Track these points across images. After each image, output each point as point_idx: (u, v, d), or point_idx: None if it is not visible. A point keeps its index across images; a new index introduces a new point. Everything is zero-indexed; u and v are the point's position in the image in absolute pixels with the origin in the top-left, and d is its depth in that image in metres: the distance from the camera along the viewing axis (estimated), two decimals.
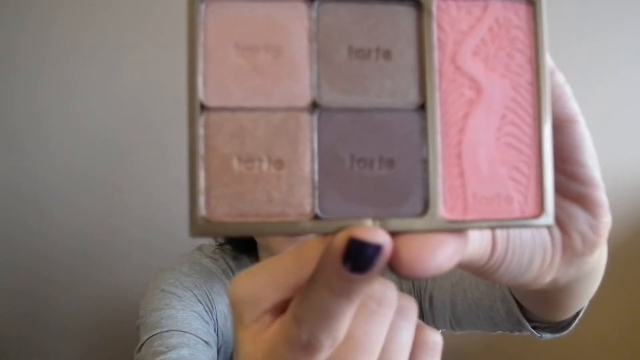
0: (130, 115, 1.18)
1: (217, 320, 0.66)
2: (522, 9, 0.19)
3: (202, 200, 0.17)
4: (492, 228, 0.20)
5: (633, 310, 1.12)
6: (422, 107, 0.18)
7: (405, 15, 0.18)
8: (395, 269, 0.17)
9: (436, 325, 0.62)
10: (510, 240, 0.21)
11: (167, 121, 1.17)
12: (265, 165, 0.18)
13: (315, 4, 0.18)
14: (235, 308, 0.20)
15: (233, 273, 0.70)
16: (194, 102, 0.17)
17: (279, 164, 0.18)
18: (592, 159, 0.21)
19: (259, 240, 0.64)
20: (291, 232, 0.18)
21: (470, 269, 0.21)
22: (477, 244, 0.19)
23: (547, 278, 0.22)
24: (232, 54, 0.18)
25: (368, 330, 0.19)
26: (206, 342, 0.60)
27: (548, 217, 0.19)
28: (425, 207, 0.18)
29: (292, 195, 0.18)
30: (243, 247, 0.70)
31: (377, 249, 0.16)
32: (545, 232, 0.22)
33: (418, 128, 0.18)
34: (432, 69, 0.18)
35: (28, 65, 1.17)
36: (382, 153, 0.18)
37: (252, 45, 0.18)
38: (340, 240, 0.16)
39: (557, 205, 0.21)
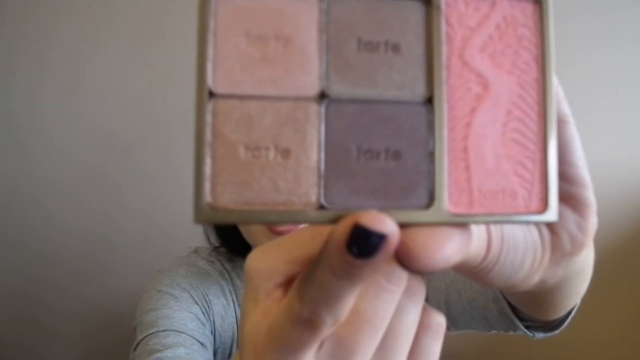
0: (130, 116, 1.18)
1: (214, 321, 0.66)
2: (529, 8, 0.19)
3: (207, 187, 0.17)
4: (497, 223, 0.20)
5: (633, 310, 1.12)
6: (429, 101, 0.18)
7: (414, 10, 0.18)
8: (402, 262, 0.17)
9: None
10: (505, 240, 0.21)
11: (168, 121, 1.17)
12: (272, 154, 0.18)
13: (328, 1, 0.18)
14: (250, 281, 0.20)
15: (229, 275, 0.70)
16: (202, 88, 0.17)
17: (286, 153, 0.18)
18: (581, 160, 0.22)
19: (252, 241, 0.64)
20: (296, 221, 0.18)
21: (464, 270, 0.21)
22: (475, 242, 0.19)
23: (536, 278, 0.22)
24: (242, 42, 0.18)
25: (375, 305, 0.19)
26: (202, 343, 0.60)
27: (552, 214, 0.19)
28: (431, 199, 0.18)
29: (298, 185, 0.18)
30: (238, 250, 0.70)
31: (381, 237, 0.16)
32: (535, 232, 0.22)
33: (425, 121, 0.18)
34: (440, 64, 0.18)
35: (29, 65, 1.17)
36: (388, 145, 0.18)
37: (262, 34, 0.18)
38: (346, 225, 0.16)
39: None
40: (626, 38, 1.08)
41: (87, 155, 1.18)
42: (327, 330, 0.18)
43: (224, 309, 0.67)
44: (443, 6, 0.18)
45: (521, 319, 0.47)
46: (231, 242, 0.70)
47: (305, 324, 0.17)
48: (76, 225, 1.20)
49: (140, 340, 0.59)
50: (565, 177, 0.21)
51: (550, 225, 0.22)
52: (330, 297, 0.17)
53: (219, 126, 0.17)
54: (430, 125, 0.18)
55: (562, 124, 0.21)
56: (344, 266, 0.16)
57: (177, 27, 1.13)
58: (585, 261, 0.27)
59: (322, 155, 0.18)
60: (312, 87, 0.18)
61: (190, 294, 0.65)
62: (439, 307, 0.60)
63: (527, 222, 0.19)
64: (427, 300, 0.63)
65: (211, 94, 0.18)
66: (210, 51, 0.17)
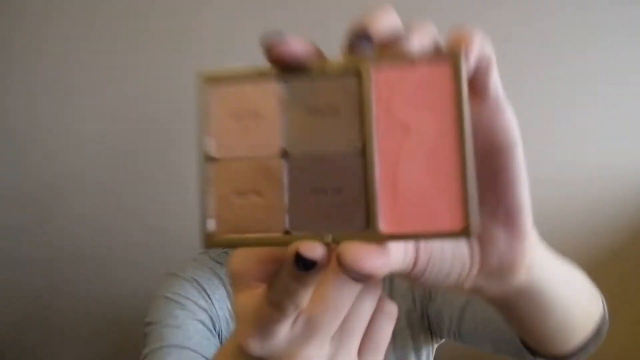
0: (131, 119, 1.18)
1: (220, 329, 0.71)
2: (446, 69, 0.24)
3: (210, 222, 0.25)
4: (423, 240, 0.25)
5: (635, 311, 1.02)
6: (363, 150, 0.24)
7: (351, 82, 0.25)
8: (341, 269, 0.23)
9: (441, 334, 0.67)
10: (432, 255, 0.26)
11: (167, 123, 1.16)
12: (253, 197, 0.25)
13: (283, 84, 0.25)
14: (233, 279, 0.27)
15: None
16: (203, 154, 0.25)
17: (262, 196, 0.25)
18: (523, 188, 0.25)
19: None
20: (273, 244, 0.25)
21: (400, 276, 0.27)
22: (402, 257, 0.25)
23: (467, 285, 0.27)
24: (229, 120, 0.25)
25: (340, 293, 0.25)
26: (206, 358, 0.64)
27: (470, 233, 0.23)
28: (368, 223, 0.24)
29: (272, 218, 0.25)
30: None
31: (312, 261, 0.22)
32: (465, 247, 0.26)
33: (360, 165, 0.24)
34: (371, 120, 0.24)
35: (25, 68, 1.17)
36: (333, 185, 0.24)
37: (241, 113, 0.25)
38: (292, 250, 0.23)
39: (483, 225, 0.26)
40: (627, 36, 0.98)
41: (85, 158, 1.19)
42: (292, 312, 0.25)
43: (229, 312, 0.71)
44: (372, 76, 0.24)
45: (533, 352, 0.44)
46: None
47: (275, 306, 0.25)
48: (76, 228, 1.22)
49: (146, 355, 0.64)
50: (505, 200, 0.25)
51: (481, 244, 0.26)
52: (289, 291, 0.24)
53: (216, 180, 0.25)
54: (364, 168, 0.24)
55: (508, 150, 0.25)
56: (294, 274, 0.23)
57: (175, 28, 1.12)
58: (542, 286, 0.29)
59: (286, 195, 0.25)
60: (278, 147, 0.25)
61: (196, 302, 0.68)
62: (450, 322, 0.63)
63: (448, 239, 0.24)
64: (440, 313, 0.65)
65: (209, 158, 0.25)
66: (207, 128, 0.25)
